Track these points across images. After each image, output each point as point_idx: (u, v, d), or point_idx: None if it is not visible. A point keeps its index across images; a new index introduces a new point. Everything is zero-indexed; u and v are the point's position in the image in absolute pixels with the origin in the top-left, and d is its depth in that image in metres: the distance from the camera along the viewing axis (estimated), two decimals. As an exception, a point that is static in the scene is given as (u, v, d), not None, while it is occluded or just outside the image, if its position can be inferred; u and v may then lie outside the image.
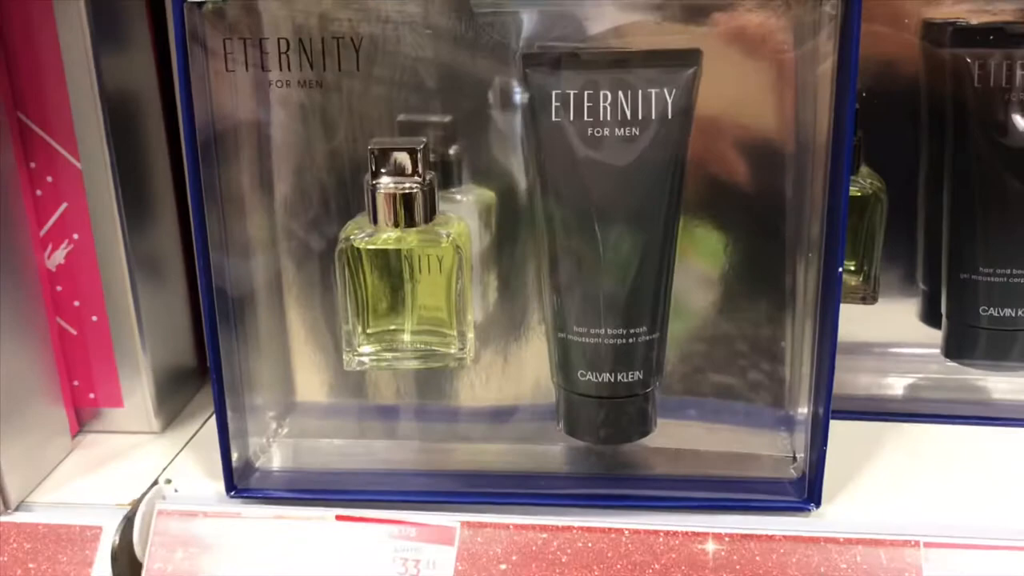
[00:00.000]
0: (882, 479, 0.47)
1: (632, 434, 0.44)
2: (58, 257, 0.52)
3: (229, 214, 0.46)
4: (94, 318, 0.53)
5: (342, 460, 0.49)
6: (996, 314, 0.50)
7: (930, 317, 0.55)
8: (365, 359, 0.43)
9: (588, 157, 0.41)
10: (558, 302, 0.43)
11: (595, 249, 0.42)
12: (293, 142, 0.47)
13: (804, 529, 0.43)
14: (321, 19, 0.45)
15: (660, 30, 0.43)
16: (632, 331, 0.42)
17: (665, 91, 0.41)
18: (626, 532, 0.44)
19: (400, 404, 0.50)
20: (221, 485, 0.47)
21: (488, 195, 0.48)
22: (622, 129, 0.41)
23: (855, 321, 0.56)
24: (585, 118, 0.41)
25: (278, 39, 0.44)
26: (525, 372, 0.47)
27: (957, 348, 0.52)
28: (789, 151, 0.44)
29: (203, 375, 0.60)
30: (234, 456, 0.46)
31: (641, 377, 0.43)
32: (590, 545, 0.44)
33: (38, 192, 0.51)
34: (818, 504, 0.44)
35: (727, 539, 0.44)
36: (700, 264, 0.48)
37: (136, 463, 0.52)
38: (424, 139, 0.43)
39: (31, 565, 0.45)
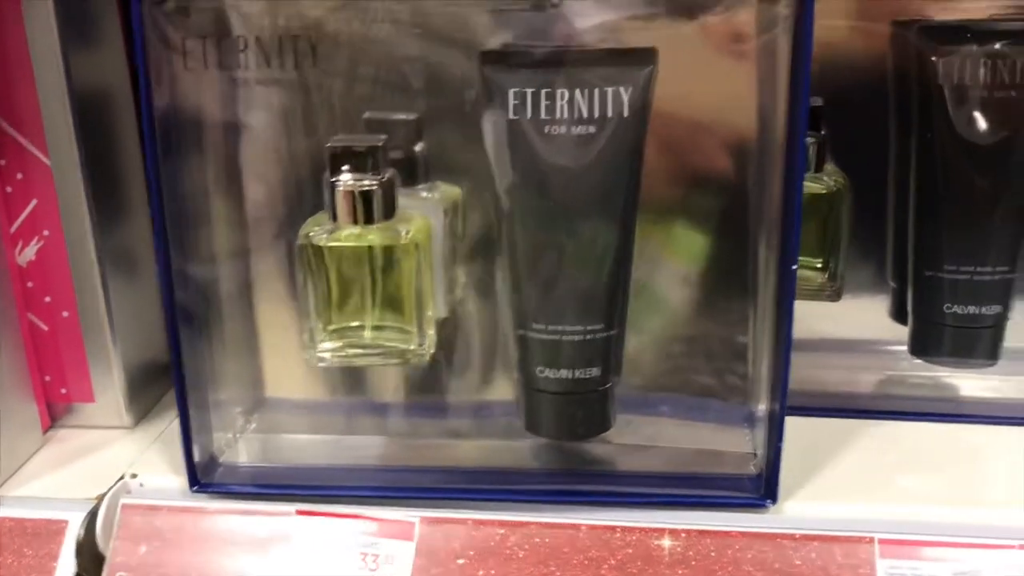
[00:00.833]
0: (843, 476, 0.47)
1: (591, 430, 0.44)
2: (29, 253, 0.52)
3: (195, 211, 0.46)
4: (65, 314, 0.53)
5: (307, 456, 0.49)
6: (960, 311, 0.50)
7: (899, 314, 0.55)
8: (326, 355, 0.44)
9: (545, 155, 0.41)
10: (518, 298, 0.43)
11: (553, 246, 0.42)
12: (260, 140, 0.47)
13: (760, 526, 0.43)
14: (286, 17, 0.45)
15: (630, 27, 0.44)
16: (590, 328, 0.43)
17: (621, 89, 0.41)
18: (583, 528, 0.44)
19: (368, 400, 0.51)
20: (186, 480, 0.47)
21: (455, 192, 0.49)
22: (579, 127, 0.41)
23: (827, 318, 0.57)
24: (542, 116, 0.41)
25: (242, 37, 0.45)
26: (490, 369, 0.48)
27: (923, 345, 0.52)
28: (752, 149, 0.45)
29: (176, 370, 0.61)
30: (198, 451, 0.47)
31: (599, 374, 0.43)
32: (547, 540, 0.44)
33: (8, 189, 0.51)
34: (774, 500, 0.44)
35: (683, 535, 0.44)
36: (679, 263, 0.48)
37: (106, 458, 0.52)
38: (383, 136, 0.43)
39: (-4, 558, 0.46)
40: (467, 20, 0.45)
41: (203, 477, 0.47)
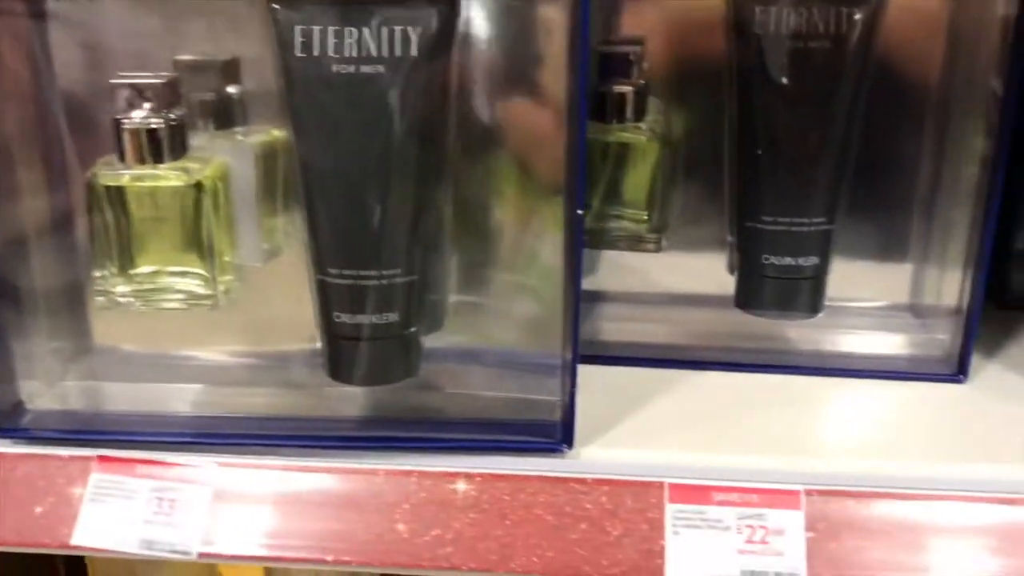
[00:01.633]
0: (646, 424, 0.47)
1: (391, 376, 0.44)
2: None
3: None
4: None
5: (120, 403, 0.49)
6: (778, 263, 0.50)
7: (735, 268, 0.55)
8: (120, 300, 0.43)
9: (334, 94, 0.40)
10: (314, 243, 0.43)
11: (344, 189, 0.42)
12: (64, 81, 0.46)
13: (553, 470, 0.44)
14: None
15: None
16: (386, 273, 0.42)
17: (410, 29, 0.40)
18: (380, 473, 0.44)
19: (185, 351, 0.50)
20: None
21: (274, 137, 0.48)
22: (367, 66, 0.40)
23: (667, 272, 0.57)
24: (330, 54, 0.40)
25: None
26: (299, 315, 0.47)
27: (746, 298, 0.52)
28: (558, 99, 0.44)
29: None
30: (5, 396, 0.46)
31: (398, 319, 0.43)
32: (345, 485, 0.44)
33: None
34: (570, 446, 0.44)
35: (478, 479, 0.44)
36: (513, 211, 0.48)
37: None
38: (173, 74, 0.43)
39: None
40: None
41: (7, 422, 0.46)
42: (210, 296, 0.43)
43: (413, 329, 0.44)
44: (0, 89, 0.45)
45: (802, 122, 0.48)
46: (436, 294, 0.48)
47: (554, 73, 0.43)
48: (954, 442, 0.46)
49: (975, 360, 0.54)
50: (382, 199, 0.41)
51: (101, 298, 0.45)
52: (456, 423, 0.46)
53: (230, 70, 0.48)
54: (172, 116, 0.42)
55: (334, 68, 0.40)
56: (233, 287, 0.45)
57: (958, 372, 0.51)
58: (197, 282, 0.43)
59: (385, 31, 0.40)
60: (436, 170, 0.43)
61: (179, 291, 0.43)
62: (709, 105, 0.53)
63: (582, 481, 0.43)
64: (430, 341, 0.48)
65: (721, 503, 0.43)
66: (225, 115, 0.48)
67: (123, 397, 0.49)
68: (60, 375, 0.50)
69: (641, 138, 0.49)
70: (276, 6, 0.40)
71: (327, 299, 0.43)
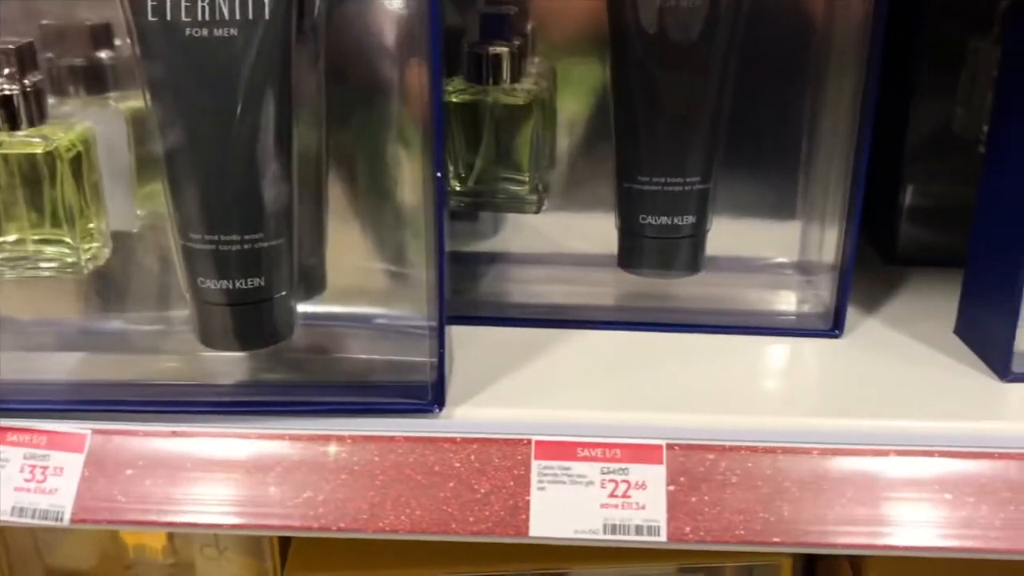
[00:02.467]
0: (519, 383, 0.48)
1: (262, 341, 0.44)
2: None
3: None
4: None
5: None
6: (655, 222, 0.51)
7: (623, 229, 0.56)
8: (-16, 267, 0.43)
9: (187, 58, 0.40)
10: (176, 208, 0.43)
11: (201, 154, 0.41)
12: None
13: (423, 430, 0.44)
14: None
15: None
16: (248, 237, 0.42)
17: (262, -10, 0.40)
18: (252, 436, 0.45)
19: (64, 318, 0.50)
20: None
21: (150, 102, 0.48)
22: (221, 29, 0.40)
23: (560, 232, 0.58)
24: (183, 18, 0.40)
25: None
26: (176, 280, 0.47)
27: (627, 257, 0.52)
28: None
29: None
30: None
31: (265, 283, 0.43)
32: (218, 449, 0.45)
33: None
34: (441, 406, 0.45)
35: (349, 441, 0.44)
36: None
37: None
38: (30, 40, 0.42)
39: None
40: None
41: None
42: (79, 265, 0.43)
43: (283, 293, 0.44)
44: None
45: (674, 82, 0.48)
46: (313, 258, 0.48)
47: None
48: (816, 395, 0.48)
49: (856, 315, 0.55)
50: (239, 163, 0.41)
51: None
52: (330, 386, 0.46)
53: (101, 35, 0.47)
54: (28, 82, 0.41)
55: (187, 32, 0.40)
56: (102, 254, 0.45)
57: (834, 327, 0.52)
58: (64, 249, 0.43)
59: (238, -7, 0.40)
60: (290, 132, 0.43)
61: (46, 259, 0.43)
62: (599, 65, 0.54)
63: (452, 440, 0.44)
64: (309, 304, 0.48)
65: (585, 459, 0.43)
66: (96, 81, 0.47)
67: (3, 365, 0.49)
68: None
69: (518, 100, 0.49)
70: (127, -31, 0.40)
71: (192, 265, 0.43)
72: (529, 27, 0.53)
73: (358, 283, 0.49)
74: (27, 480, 0.44)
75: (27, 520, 0.43)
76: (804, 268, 0.57)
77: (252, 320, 0.44)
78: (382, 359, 0.47)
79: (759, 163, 0.55)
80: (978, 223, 0.51)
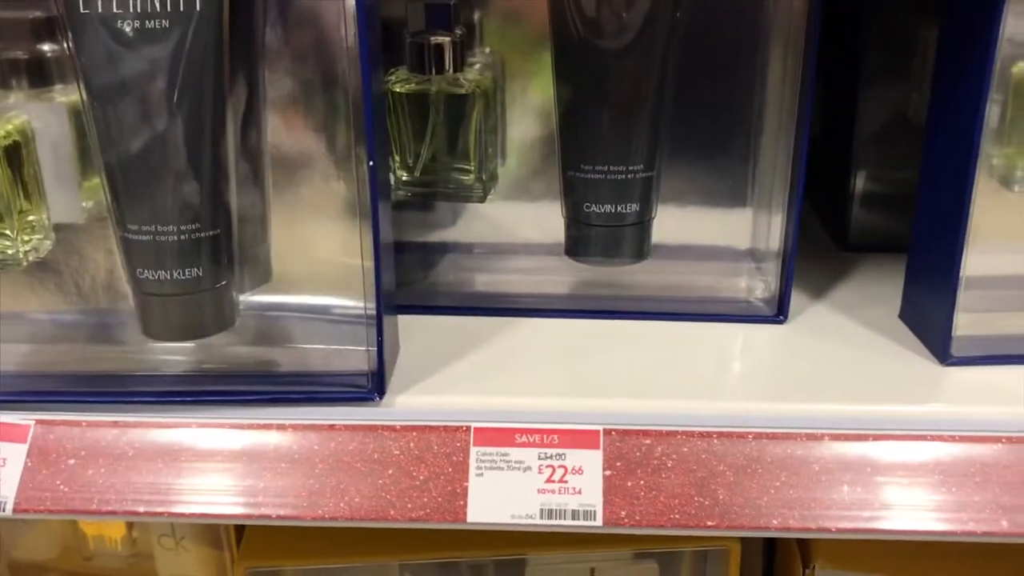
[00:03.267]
0: (464, 370, 0.48)
1: (202, 331, 0.45)
2: None
3: None
4: None
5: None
6: (599, 211, 0.51)
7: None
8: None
9: (120, 50, 0.40)
10: (114, 200, 0.43)
11: (136, 146, 0.41)
12: None
13: (363, 418, 0.45)
14: None
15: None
16: (184, 228, 0.43)
17: (194, -17, 0.40)
18: (194, 426, 0.45)
19: (8, 310, 0.50)
20: None
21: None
22: (153, 21, 0.40)
23: (511, 222, 0.58)
24: (114, 10, 0.40)
25: None
26: (119, 274, 0.48)
27: (573, 245, 0.53)
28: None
29: None
30: None
31: (203, 273, 0.44)
32: (160, 439, 0.45)
33: None
34: (382, 395, 0.45)
35: (289, 429, 0.45)
36: None
37: None
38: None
39: None
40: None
41: None
42: (13, 256, 0.43)
43: (223, 283, 0.45)
44: None
45: (613, 70, 0.49)
46: (258, 248, 0.48)
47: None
48: (754, 380, 0.48)
49: (804, 301, 0.56)
50: (174, 155, 0.41)
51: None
52: (272, 376, 0.47)
53: (44, 28, 0.47)
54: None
55: (119, 24, 0.40)
56: (43, 246, 0.45)
57: (778, 313, 0.53)
58: (5, 242, 0.43)
59: (169, -15, 0.40)
60: (224, 125, 0.43)
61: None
62: (547, 54, 0.54)
63: (392, 428, 0.44)
64: (254, 294, 0.48)
65: (523, 444, 0.44)
66: (40, 74, 0.47)
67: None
68: None
69: (461, 90, 0.49)
70: (57, -38, 0.41)
71: (131, 256, 0.43)
72: (476, 16, 0.54)
73: (303, 273, 0.50)
74: (-31, 471, 0.45)
75: (-31, 511, 0.44)
76: (755, 255, 0.58)
77: (191, 310, 0.44)
78: (325, 348, 0.47)
79: (713, 151, 0.55)
80: (919, 208, 0.51)
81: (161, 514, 0.44)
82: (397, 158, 0.52)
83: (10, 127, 0.42)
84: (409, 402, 0.45)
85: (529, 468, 0.43)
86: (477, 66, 0.51)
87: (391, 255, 0.48)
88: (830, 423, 0.44)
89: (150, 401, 0.45)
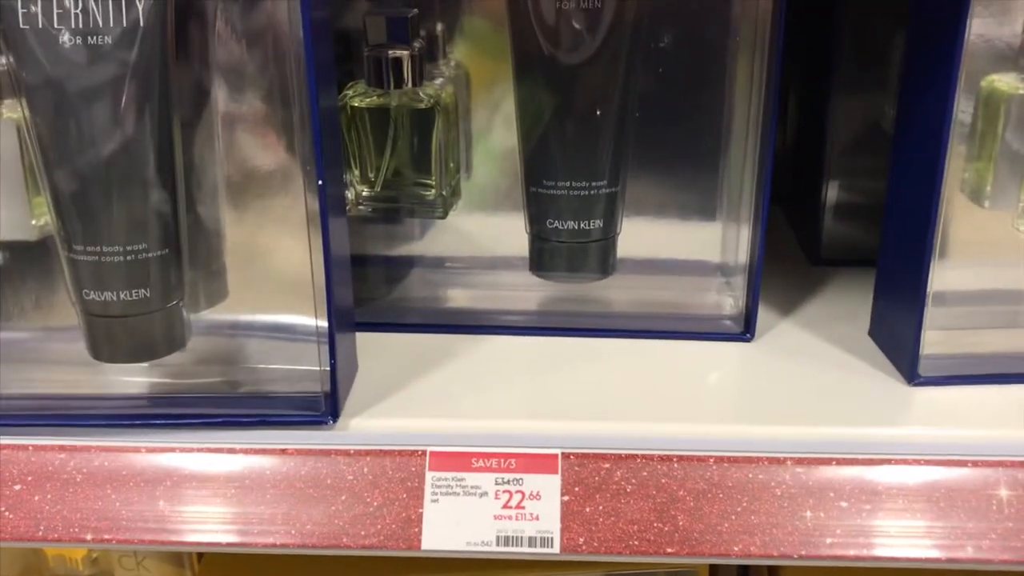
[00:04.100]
0: (422, 391, 0.47)
1: (152, 352, 0.43)
2: None
3: None
4: None
5: None
6: (562, 227, 0.50)
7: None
8: None
9: (61, 67, 0.39)
10: (58, 220, 0.42)
11: (79, 164, 0.40)
12: None
13: (315, 443, 0.44)
14: None
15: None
16: (131, 248, 0.41)
17: (137, -1, 0.39)
18: (143, 450, 0.44)
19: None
20: None
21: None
22: (94, 37, 0.39)
23: (474, 236, 0.57)
24: (55, 25, 0.39)
25: None
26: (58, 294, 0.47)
27: (537, 262, 0.52)
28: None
29: None
30: None
31: (152, 294, 0.43)
32: (106, 464, 0.44)
33: None
34: (335, 418, 0.44)
35: (240, 454, 0.44)
36: None
37: None
38: None
39: None
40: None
41: None
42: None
43: (173, 303, 0.44)
44: None
45: (574, 85, 0.47)
46: (212, 265, 0.47)
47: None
48: (717, 402, 0.47)
49: (773, 318, 0.55)
50: (118, 174, 0.40)
51: None
52: (225, 398, 0.45)
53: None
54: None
55: (60, 39, 0.39)
56: (-11, 265, 0.44)
57: (745, 331, 0.52)
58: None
59: (111, 1, 0.39)
60: (171, 141, 0.42)
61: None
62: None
63: (346, 453, 0.43)
64: (209, 312, 0.47)
65: (480, 469, 0.43)
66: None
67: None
68: None
69: (420, 104, 0.48)
70: (-3, -24, 0.39)
71: (76, 276, 0.42)
72: (439, 29, 0.53)
73: (259, 290, 0.49)
74: (-88, 498, 0.43)
75: (-89, 538, 0.43)
76: (725, 271, 0.57)
77: (140, 331, 0.43)
78: (280, 368, 0.46)
79: (681, 167, 0.54)
80: (887, 222, 0.50)
81: (109, 541, 0.43)
82: (357, 173, 0.52)
83: (-48, 145, 0.41)
84: (364, 425, 0.44)
85: (486, 494, 0.42)
86: (439, 80, 0.50)
87: (346, 271, 0.47)
88: (793, 447, 0.43)
89: (98, 425, 0.44)
